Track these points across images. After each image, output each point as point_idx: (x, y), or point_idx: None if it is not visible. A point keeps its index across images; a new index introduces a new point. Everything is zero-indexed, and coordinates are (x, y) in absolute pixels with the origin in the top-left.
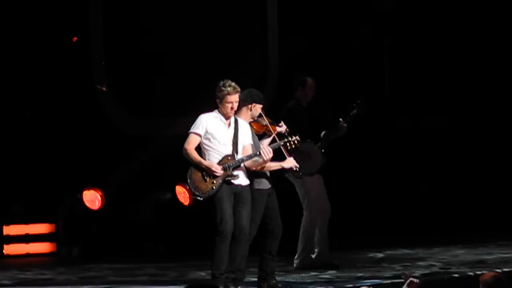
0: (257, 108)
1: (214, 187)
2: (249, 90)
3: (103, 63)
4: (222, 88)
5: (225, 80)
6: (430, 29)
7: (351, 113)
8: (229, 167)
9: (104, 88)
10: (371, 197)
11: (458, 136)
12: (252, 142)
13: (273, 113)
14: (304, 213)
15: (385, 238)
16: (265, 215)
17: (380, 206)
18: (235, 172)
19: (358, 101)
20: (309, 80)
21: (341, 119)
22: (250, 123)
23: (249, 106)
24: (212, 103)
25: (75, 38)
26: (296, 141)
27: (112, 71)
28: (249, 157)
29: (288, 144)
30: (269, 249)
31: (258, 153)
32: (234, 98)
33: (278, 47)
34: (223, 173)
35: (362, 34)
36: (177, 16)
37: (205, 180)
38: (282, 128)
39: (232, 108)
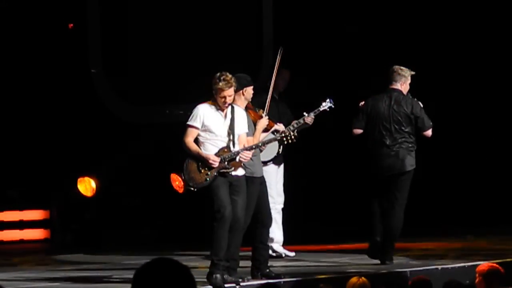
0: (249, 91)
1: (208, 179)
2: (236, 77)
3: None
4: (217, 81)
5: (222, 73)
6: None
7: (319, 108)
8: (224, 159)
9: None
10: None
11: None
12: (247, 131)
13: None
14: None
15: None
16: (256, 203)
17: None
18: (231, 165)
19: (327, 98)
20: (284, 71)
21: (305, 113)
22: (248, 111)
23: (240, 92)
24: (207, 91)
25: (71, 25)
26: (293, 137)
27: (108, 57)
28: (246, 149)
29: (284, 139)
30: (260, 238)
31: (253, 146)
32: (228, 93)
33: (273, 35)
34: (219, 165)
35: (359, 22)
36: (173, 3)
37: (200, 172)
38: (280, 127)
39: (225, 102)
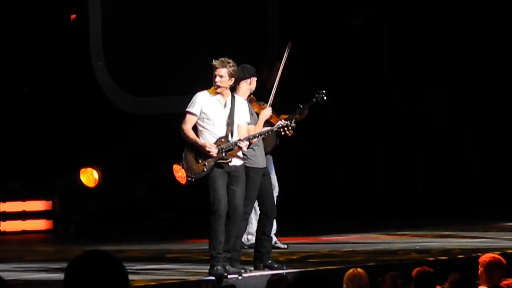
0: (254, 81)
1: (205, 169)
2: (242, 66)
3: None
4: (214, 59)
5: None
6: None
7: (312, 101)
8: (222, 149)
9: None
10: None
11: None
12: (248, 121)
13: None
14: None
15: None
16: (258, 195)
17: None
18: (228, 155)
19: (320, 90)
20: (278, 64)
21: (300, 105)
22: (251, 103)
23: (249, 80)
24: (208, 81)
25: (73, 16)
26: (291, 128)
27: (109, 49)
28: (243, 139)
29: (282, 130)
30: (263, 230)
31: (251, 137)
32: (219, 72)
33: (278, 26)
34: (216, 155)
35: (362, 15)
36: None
37: (197, 162)
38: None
39: (216, 83)
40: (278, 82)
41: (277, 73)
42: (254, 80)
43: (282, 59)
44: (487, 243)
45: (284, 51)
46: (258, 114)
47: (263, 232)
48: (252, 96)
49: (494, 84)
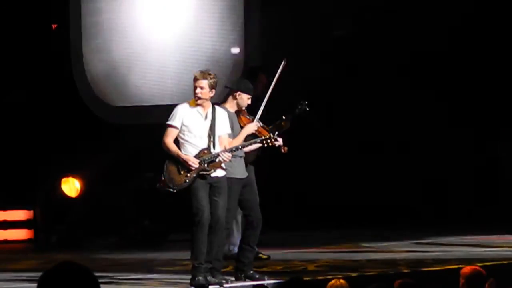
0: (243, 98)
1: (187, 180)
2: (237, 79)
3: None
4: (195, 72)
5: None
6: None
7: (294, 112)
8: (204, 161)
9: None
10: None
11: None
12: (229, 132)
13: None
14: None
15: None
16: (244, 206)
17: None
18: (210, 167)
19: (302, 102)
20: (261, 75)
21: (283, 116)
22: (239, 116)
23: (234, 94)
24: (189, 93)
25: (55, 26)
26: (273, 140)
27: (90, 59)
28: (226, 151)
29: (265, 142)
30: (247, 240)
31: (233, 148)
32: (199, 83)
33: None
34: (198, 167)
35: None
36: (157, 3)
37: (180, 173)
38: (277, 142)
39: (196, 94)
40: (269, 97)
41: (262, 84)
42: (242, 96)
43: (267, 71)
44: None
45: (279, 67)
46: (242, 127)
47: (247, 242)
48: (243, 109)
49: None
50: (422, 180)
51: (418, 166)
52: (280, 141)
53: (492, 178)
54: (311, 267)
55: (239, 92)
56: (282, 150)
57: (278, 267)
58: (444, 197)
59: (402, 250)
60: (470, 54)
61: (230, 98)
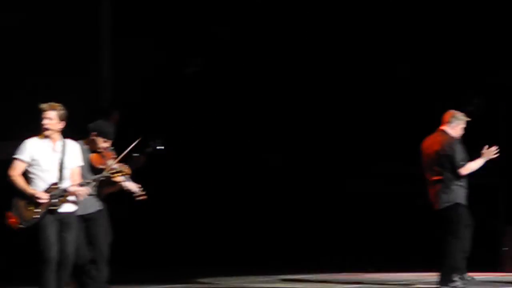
0: (97, 141)
1: (37, 216)
2: (97, 122)
3: None
4: (42, 105)
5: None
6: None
7: (146, 149)
8: (53, 196)
9: None
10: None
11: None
12: (81, 164)
13: None
14: None
15: None
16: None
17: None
18: (60, 201)
19: (156, 139)
20: (115, 114)
21: (134, 154)
22: (102, 153)
23: (92, 134)
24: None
25: None
26: (124, 172)
27: None
28: (75, 186)
29: (110, 174)
30: (88, 274)
31: (83, 183)
32: (47, 114)
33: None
34: (47, 202)
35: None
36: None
37: (28, 209)
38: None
39: (44, 124)
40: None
41: (115, 122)
42: (95, 139)
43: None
44: None
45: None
46: (92, 165)
47: (89, 277)
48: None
49: None
50: None
51: None
52: (136, 188)
53: None
54: None
55: (94, 137)
56: (138, 197)
57: None
58: None
59: None
60: None
61: (91, 139)
